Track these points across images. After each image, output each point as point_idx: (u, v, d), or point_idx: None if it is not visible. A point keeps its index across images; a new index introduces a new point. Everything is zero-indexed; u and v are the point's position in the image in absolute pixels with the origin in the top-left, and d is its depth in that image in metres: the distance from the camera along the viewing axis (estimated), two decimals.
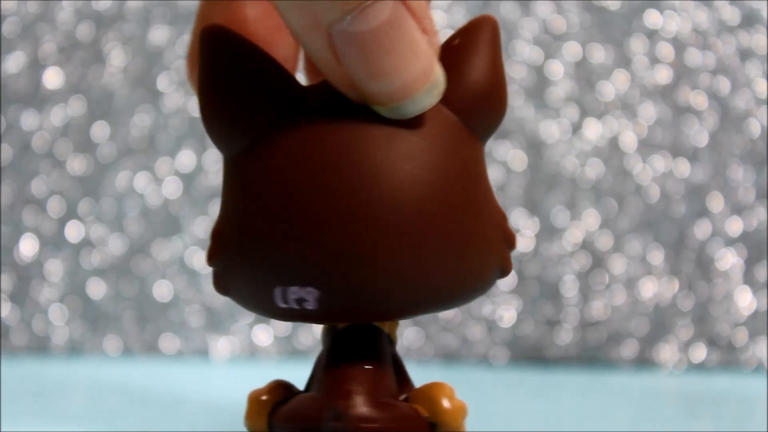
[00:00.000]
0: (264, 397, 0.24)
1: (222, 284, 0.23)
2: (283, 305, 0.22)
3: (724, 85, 0.58)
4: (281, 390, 0.24)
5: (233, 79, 0.23)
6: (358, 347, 0.23)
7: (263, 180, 0.22)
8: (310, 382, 0.24)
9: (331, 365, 0.23)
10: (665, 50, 0.58)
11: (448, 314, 0.56)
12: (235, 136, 0.23)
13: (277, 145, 0.22)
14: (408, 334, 0.56)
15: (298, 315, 0.22)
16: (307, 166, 0.22)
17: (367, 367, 0.23)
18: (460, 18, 0.57)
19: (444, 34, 0.24)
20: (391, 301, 0.22)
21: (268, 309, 0.23)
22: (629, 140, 0.58)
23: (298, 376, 0.26)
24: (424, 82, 0.22)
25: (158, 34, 0.58)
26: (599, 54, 0.58)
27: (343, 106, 0.22)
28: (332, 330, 0.24)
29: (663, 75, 0.58)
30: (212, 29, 0.23)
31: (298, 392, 0.24)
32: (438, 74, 0.22)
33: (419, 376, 0.26)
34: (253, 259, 0.22)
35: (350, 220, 0.21)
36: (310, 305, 0.22)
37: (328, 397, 0.22)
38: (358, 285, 0.21)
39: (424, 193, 0.22)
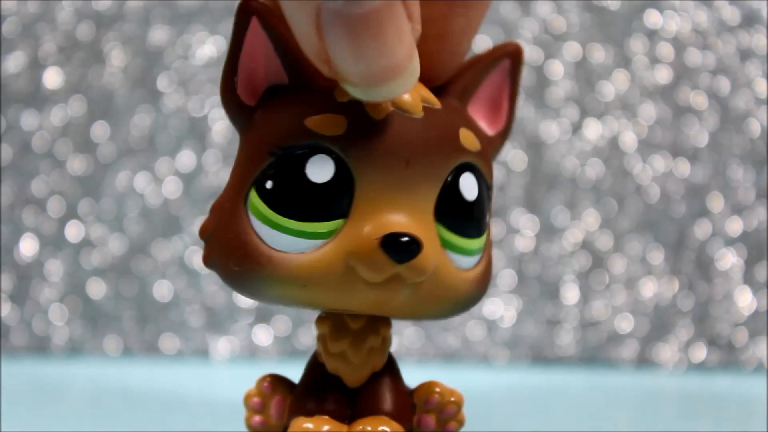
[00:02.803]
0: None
1: None
2: None
3: (724, 85, 0.58)
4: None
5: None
6: None
7: None
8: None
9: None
10: (665, 50, 0.58)
11: None
12: None
13: None
14: (408, 334, 0.56)
15: None
16: None
17: None
18: None
19: None
20: None
21: None
22: (629, 140, 0.58)
23: (299, 376, 0.26)
24: (402, 70, 0.21)
25: (158, 34, 0.58)
26: (599, 54, 0.58)
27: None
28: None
29: (663, 75, 0.58)
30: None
31: None
32: (415, 64, 0.22)
33: (419, 376, 0.26)
34: None
35: None
36: None
37: None
38: None
39: None
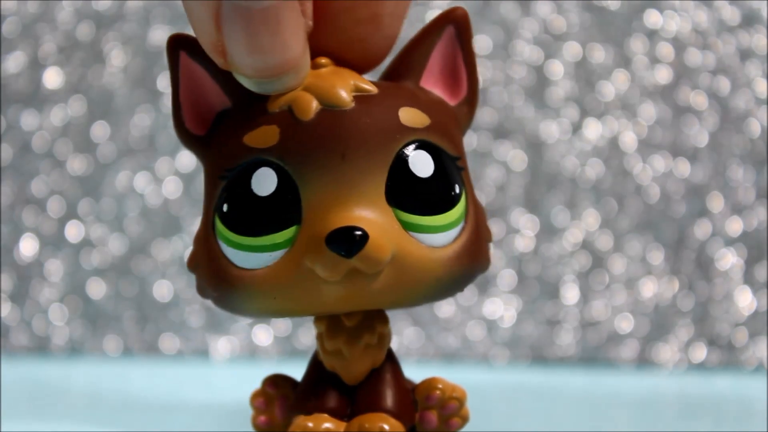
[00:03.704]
0: None
1: None
2: None
3: (724, 85, 0.58)
4: None
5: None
6: None
7: None
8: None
9: None
10: (665, 50, 0.58)
11: (448, 314, 0.56)
12: None
13: None
14: (408, 334, 0.56)
15: None
16: None
17: None
18: None
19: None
20: None
21: None
22: (629, 140, 0.58)
23: (299, 376, 0.26)
24: (295, 64, 0.22)
25: (158, 34, 0.58)
26: (599, 54, 0.58)
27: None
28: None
29: (663, 75, 0.58)
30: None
31: None
32: (307, 59, 0.22)
33: (419, 376, 0.26)
34: None
35: None
36: None
37: None
38: None
39: None
